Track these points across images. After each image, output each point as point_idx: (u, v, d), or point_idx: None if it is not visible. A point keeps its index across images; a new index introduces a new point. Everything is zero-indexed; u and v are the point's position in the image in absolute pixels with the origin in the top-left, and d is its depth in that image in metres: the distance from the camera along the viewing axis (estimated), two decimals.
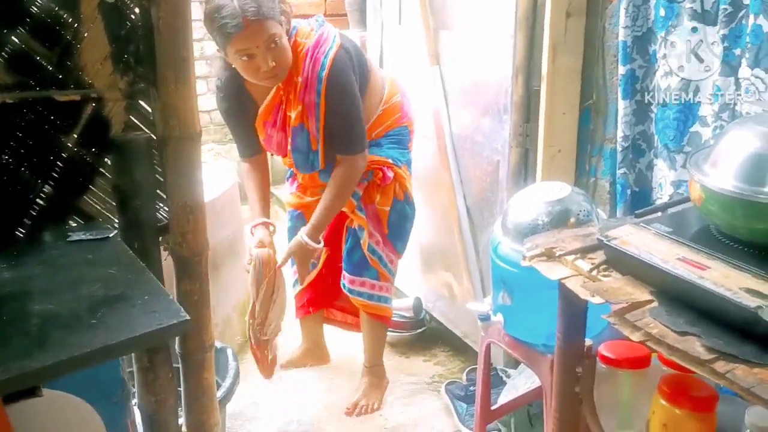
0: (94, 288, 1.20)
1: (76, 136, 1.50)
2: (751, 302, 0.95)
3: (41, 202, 1.50)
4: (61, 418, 1.20)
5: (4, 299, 1.16)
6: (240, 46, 1.93)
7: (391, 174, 2.29)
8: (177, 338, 1.60)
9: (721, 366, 0.92)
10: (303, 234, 2.18)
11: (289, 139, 2.18)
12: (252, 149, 2.31)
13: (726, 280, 1.02)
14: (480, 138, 2.39)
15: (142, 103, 1.54)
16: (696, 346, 0.97)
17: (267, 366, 2.32)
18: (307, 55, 2.05)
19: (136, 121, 1.55)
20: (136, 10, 1.49)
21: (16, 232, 1.47)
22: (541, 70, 2.02)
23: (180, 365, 1.63)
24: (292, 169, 2.40)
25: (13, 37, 1.39)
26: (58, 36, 1.43)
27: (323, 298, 2.61)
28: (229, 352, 2.15)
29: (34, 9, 1.40)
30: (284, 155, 2.29)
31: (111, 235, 1.46)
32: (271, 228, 2.27)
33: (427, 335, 2.88)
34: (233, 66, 2.04)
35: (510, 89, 2.15)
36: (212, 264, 2.42)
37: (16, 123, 1.42)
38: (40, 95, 1.44)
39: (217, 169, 2.98)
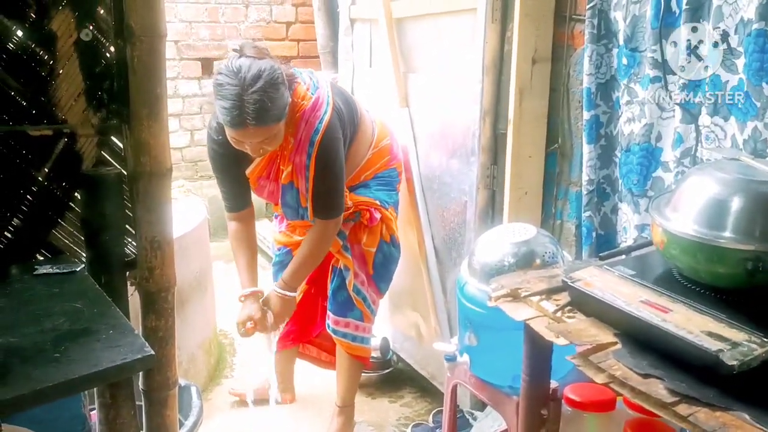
0: (59, 322, 1.19)
1: (47, 170, 1.51)
2: (713, 345, 0.97)
3: (9, 236, 1.49)
4: None
5: None
6: (236, 137, 1.95)
7: (378, 215, 2.29)
8: (140, 375, 1.58)
9: (683, 409, 0.93)
10: (277, 288, 2.20)
11: (280, 194, 2.21)
12: (242, 202, 2.27)
13: (688, 323, 1.04)
14: (448, 179, 2.42)
15: (114, 138, 1.56)
16: (659, 388, 0.98)
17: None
18: (302, 118, 2.06)
19: (107, 156, 1.56)
20: (112, 48, 1.51)
21: None
22: (508, 114, 2.06)
23: (143, 402, 1.60)
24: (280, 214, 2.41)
25: None
26: (34, 72, 1.45)
27: (303, 333, 2.59)
28: (193, 390, 2.10)
29: (11, 45, 1.42)
30: (276, 203, 2.30)
31: (78, 270, 1.46)
32: (260, 296, 2.24)
33: (394, 376, 2.86)
34: None
35: (478, 132, 2.19)
36: (179, 300, 2.39)
37: None
38: (13, 129, 1.45)
39: (187, 205, 2.95)
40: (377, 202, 2.30)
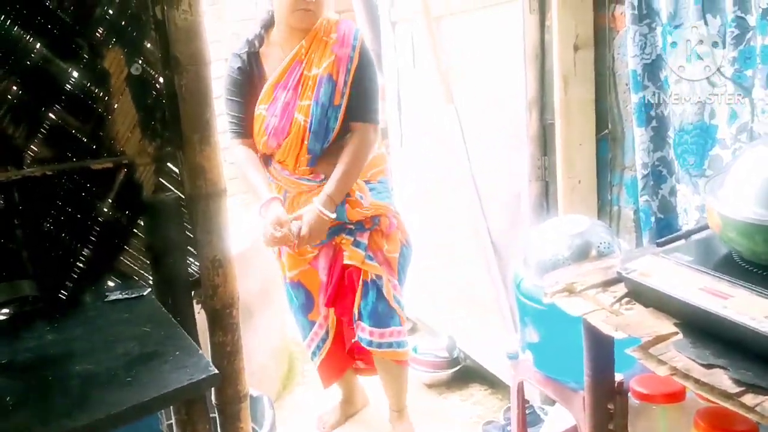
0: (130, 346, 1.25)
1: (110, 200, 1.58)
2: None
3: (81, 265, 1.57)
4: None
5: (48, 360, 1.22)
6: None
7: (395, 221, 2.29)
8: (213, 389, 1.63)
9: (750, 399, 0.90)
10: (319, 205, 2.10)
11: (310, 95, 2.09)
12: (250, 129, 2.21)
13: (750, 309, 1.00)
14: (500, 173, 2.40)
15: (170, 165, 1.62)
16: (723, 378, 0.95)
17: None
18: (340, 23, 2.14)
19: (165, 182, 1.63)
20: (161, 79, 1.57)
21: (59, 295, 1.54)
22: (554, 102, 2.03)
23: (217, 416, 1.66)
24: (280, 166, 2.20)
25: (50, 114, 1.48)
26: (91, 109, 1.52)
27: (344, 363, 2.52)
28: (266, 400, 2.17)
29: (68, 86, 1.49)
30: (282, 136, 2.14)
31: (145, 293, 1.53)
32: (281, 203, 2.18)
33: (462, 374, 2.85)
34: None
35: (525, 124, 2.17)
36: (247, 312, 2.45)
37: (56, 192, 1.51)
38: (77, 165, 1.52)
39: (247, 218, 3.03)
40: (391, 208, 2.29)
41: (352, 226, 2.22)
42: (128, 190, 1.59)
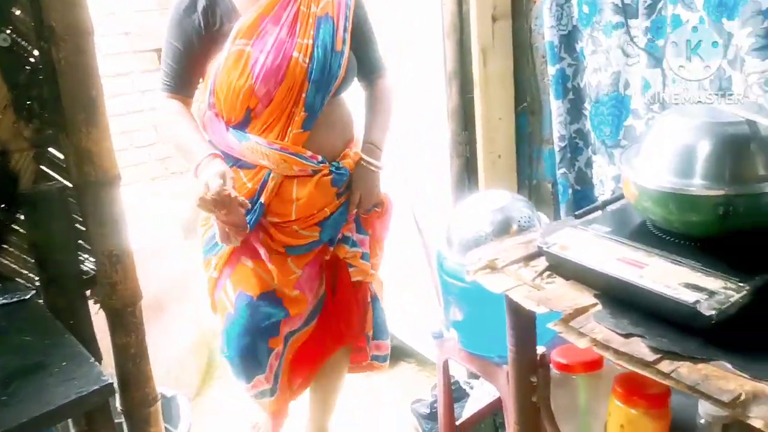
0: (6, 360, 1.10)
1: None
2: (690, 297, 0.94)
3: None
4: None
5: None
6: None
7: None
8: (117, 394, 1.52)
9: (666, 366, 0.90)
10: (365, 155, 1.77)
11: (311, 34, 1.66)
12: (188, 89, 1.76)
13: (665, 277, 1.01)
14: (423, 150, 2.37)
15: (52, 150, 1.46)
16: (641, 347, 0.95)
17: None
18: None
19: (47, 170, 1.46)
20: (35, 52, 1.40)
21: None
22: (473, 76, 2.01)
23: (124, 422, 1.55)
24: (261, 138, 1.67)
25: None
26: None
27: (295, 393, 2.05)
28: (181, 399, 2.04)
29: None
30: (278, 69, 1.64)
31: (28, 297, 1.35)
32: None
33: (391, 353, 2.82)
34: None
35: (445, 98, 2.14)
36: (158, 309, 2.33)
37: None
38: None
39: (155, 207, 2.88)
40: None
41: (349, 233, 1.84)
42: (2, 181, 1.41)
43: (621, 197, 1.33)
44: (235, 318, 1.75)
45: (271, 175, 1.68)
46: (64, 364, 1.08)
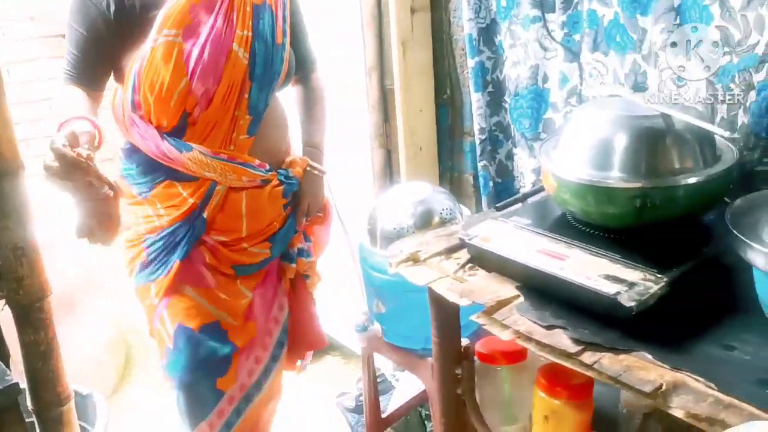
0: None
1: None
2: (610, 288, 0.96)
3: None
4: None
5: None
6: None
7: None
8: (27, 393, 1.45)
9: (588, 357, 0.91)
10: (312, 162, 1.67)
11: (249, 25, 1.49)
12: (96, 80, 1.54)
13: (585, 269, 1.02)
14: (345, 142, 2.34)
15: None
16: (563, 339, 0.96)
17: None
18: None
19: None
20: None
21: None
22: (393, 67, 1.99)
23: (36, 422, 1.48)
24: (203, 147, 1.49)
25: None
26: None
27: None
28: (97, 396, 1.98)
29: None
30: (216, 65, 1.46)
31: None
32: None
33: None
34: None
35: (365, 90, 2.11)
36: (68, 305, 2.23)
37: None
38: None
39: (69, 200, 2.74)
40: None
41: (301, 244, 1.72)
42: None
43: (541, 189, 1.35)
44: (175, 354, 1.56)
45: (216, 188, 1.51)
46: None
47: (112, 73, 1.55)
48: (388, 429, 2.02)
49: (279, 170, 1.61)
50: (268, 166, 1.57)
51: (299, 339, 1.78)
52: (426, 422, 2.06)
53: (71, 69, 1.52)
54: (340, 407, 2.32)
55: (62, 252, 2.17)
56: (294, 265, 1.69)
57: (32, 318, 1.42)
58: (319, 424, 2.39)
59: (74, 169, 1.26)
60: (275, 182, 1.58)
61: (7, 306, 1.43)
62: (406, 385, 2.11)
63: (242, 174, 1.52)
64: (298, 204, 1.65)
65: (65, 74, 1.53)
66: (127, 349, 2.91)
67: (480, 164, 1.85)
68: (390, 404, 2.06)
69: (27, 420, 1.35)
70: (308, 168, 1.65)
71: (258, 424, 1.72)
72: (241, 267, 1.59)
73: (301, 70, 1.69)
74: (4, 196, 1.35)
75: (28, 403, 1.47)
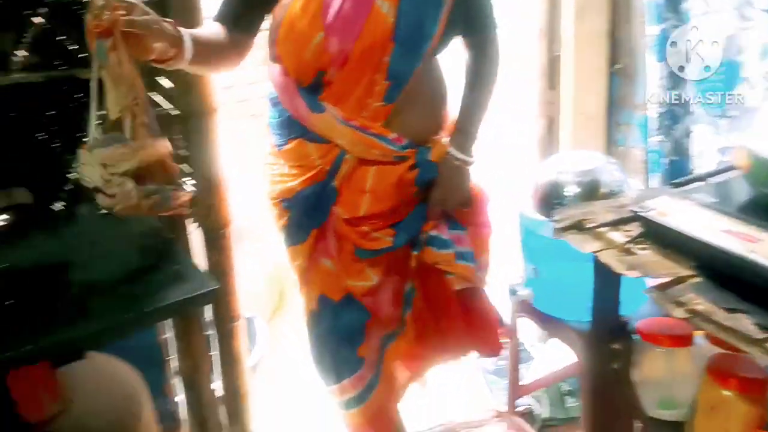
0: (128, 259, 1.22)
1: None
2: None
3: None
4: (105, 378, 1.29)
5: (48, 269, 1.19)
6: None
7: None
8: (208, 307, 1.64)
9: None
10: (452, 148, 1.42)
11: None
12: (239, 21, 1.35)
13: None
14: (507, 108, 2.31)
15: (166, 80, 1.52)
16: (747, 323, 0.91)
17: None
18: None
19: (156, 98, 1.54)
20: None
21: (54, 206, 1.49)
22: (565, 33, 1.93)
23: (214, 333, 1.67)
24: (334, 109, 1.35)
25: (34, 19, 1.39)
26: (78, 16, 1.40)
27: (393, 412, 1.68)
28: (259, 321, 2.19)
29: None
30: (356, 19, 1.29)
31: None
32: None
33: None
34: None
35: (534, 55, 2.07)
36: (238, 236, 2.44)
37: (47, 100, 1.44)
38: (67, 74, 1.44)
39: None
40: None
41: (436, 232, 1.48)
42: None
43: (727, 169, 1.27)
44: (318, 318, 1.52)
45: (345, 157, 1.38)
46: (176, 267, 1.17)
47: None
48: (525, 397, 2.02)
49: (420, 147, 1.41)
50: (405, 141, 1.38)
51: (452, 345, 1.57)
52: (565, 397, 2.03)
53: (221, 6, 1.37)
54: (479, 368, 2.34)
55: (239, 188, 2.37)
56: (416, 252, 1.48)
57: (217, 242, 1.60)
58: (456, 384, 2.42)
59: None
60: (411, 161, 1.40)
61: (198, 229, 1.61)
62: (546, 358, 2.09)
63: (372, 146, 1.36)
64: (432, 192, 1.44)
65: (216, 13, 1.38)
66: (281, 288, 3.12)
67: (654, 139, 1.76)
68: (528, 374, 2.06)
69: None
70: (449, 156, 1.42)
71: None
72: (361, 250, 1.44)
73: (473, 35, 1.44)
74: (202, 132, 1.51)
75: (207, 317, 1.66)
